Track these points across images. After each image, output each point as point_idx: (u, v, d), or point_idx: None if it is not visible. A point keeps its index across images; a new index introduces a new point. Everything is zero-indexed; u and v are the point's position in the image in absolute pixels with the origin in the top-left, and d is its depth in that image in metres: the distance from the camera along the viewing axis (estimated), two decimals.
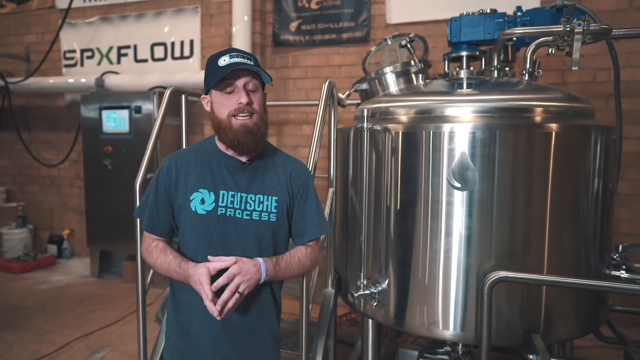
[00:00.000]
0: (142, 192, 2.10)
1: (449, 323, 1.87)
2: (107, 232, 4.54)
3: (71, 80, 4.84)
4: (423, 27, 3.85)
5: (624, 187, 3.50)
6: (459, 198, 1.82)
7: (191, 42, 4.71)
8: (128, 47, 4.96)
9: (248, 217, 1.37)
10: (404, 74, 2.27)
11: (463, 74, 2.16)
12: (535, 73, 2.03)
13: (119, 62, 5.01)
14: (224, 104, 1.32)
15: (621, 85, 3.51)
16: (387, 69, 2.28)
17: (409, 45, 2.24)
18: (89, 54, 5.13)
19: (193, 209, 1.36)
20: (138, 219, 1.93)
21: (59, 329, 3.41)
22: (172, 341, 1.45)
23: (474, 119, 1.85)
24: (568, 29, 1.76)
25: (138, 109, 4.36)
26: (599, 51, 3.41)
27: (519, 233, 1.82)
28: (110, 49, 5.04)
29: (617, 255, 2.14)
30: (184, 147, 2.51)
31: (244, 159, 1.39)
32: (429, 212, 1.88)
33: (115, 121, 4.46)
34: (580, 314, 1.90)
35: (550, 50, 1.94)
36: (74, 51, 5.21)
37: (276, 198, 1.40)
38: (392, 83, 2.28)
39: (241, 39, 4.27)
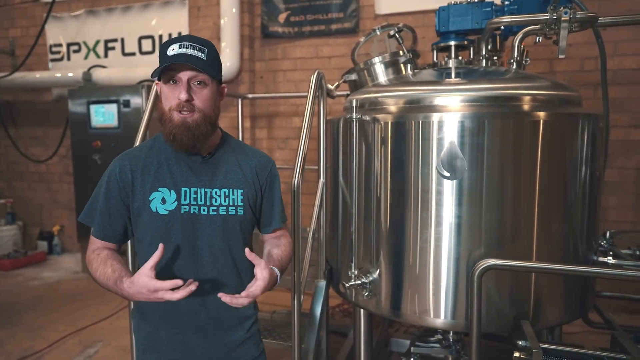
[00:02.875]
0: None
1: (440, 311, 1.89)
2: None
3: (58, 75, 4.77)
4: (412, 17, 3.84)
5: (612, 174, 3.55)
6: (449, 187, 1.83)
7: (179, 34, 4.65)
8: (115, 40, 4.90)
9: (215, 213, 1.31)
10: (392, 64, 2.27)
11: (451, 63, 2.16)
12: (523, 62, 2.04)
13: (106, 55, 4.95)
14: (167, 96, 1.25)
15: (609, 73, 3.54)
16: (376, 60, 2.27)
17: (397, 36, 2.23)
18: (76, 47, 5.05)
19: (154, 210, 1.28)
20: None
21: (51, 324, 3.40)
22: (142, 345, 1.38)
23: (463, 108, 1.85)
24: (555, 17, 1.76)
25: (127, 103, 4.31)
26: (586, 40, 3.43)
27: (508, 221, 1.83)
28: (97, 42, 4.97)
29: (604, 241, 2.16)
30: None
31: (204, 153, 1.33)
32: (419, 201, 1.89)
33: (104, 115, 4.41)
34: (568, 300, 1.93)
35: (537, 38, 1.94)
36: (60, 45, 5.13)
37: (242, 191, 1.35)
38: (381, 73, 2.28)
39: (229, 31, 4.23)
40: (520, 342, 1.57)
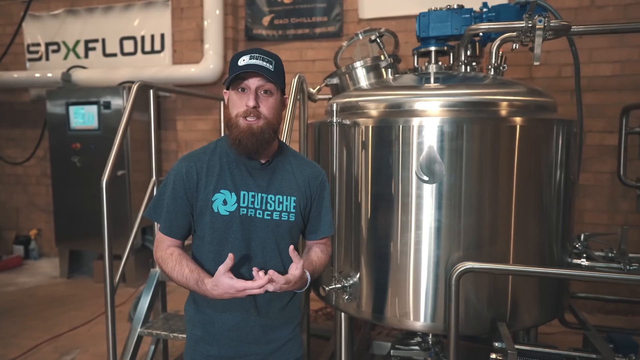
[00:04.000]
0: (110, 190, 2.06)
1: (419, 314, 1.91)
2: (76, 231, 4.42)
3: (37, 75, 4.67)
4: (395, 22, 3.88)
5: (588, 178, 3.64)
6: (428, 191, 1.85)
7: (162, 36, 4.61)
8: (96, 40, 4.83)
9: (269, 217, 1.39)
10: (374, 69, 2.29)
11: (431, 68, 2.19)
12: (501, 68, 2.08)
13: (86, 56, 4.87)
14: (236, 103, 1.34)
15: (584, 80, 3.64)
16: (358, 64, 2.28)
17: (378, 40, 2.25)
18: (55, 47, 4.96)
19: (215, 210, 1.36)
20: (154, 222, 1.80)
21: (26, 331, 3.31)
22: (194, 339, 1.45)
23: (442, 112, 1.88)
24: (530, 25, 1.80)
25: (107, 105, 4.25)
26: (564, 47, 3.51)
27: (486, 224, 1.86)
28: (77, 42, 4.89)
29: (579, 244, 2.22)
30: (153, 142, 2.46)
31: (263, 159, 1.40)
32: (399, 205, 1.90)
33: (84, 117, 4.33)
34: (544, 301, 1.97)
35: (514, 45, 1.99)
36: (38, 45, 5.03)
37: (294, 198, 1.42)
38: (363, 77, 2.29)
39: (213, 33, 4.21)
40: (496, 344, 1.60)
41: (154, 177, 2.46)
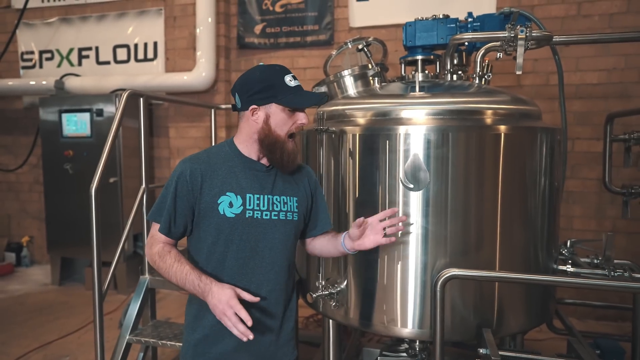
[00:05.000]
0: (98, 198, 2.07)
1: (407, 321, 1.92)
2: (68, 238, 4.41)
3: (32, 83, 4.68)
4: (385, 30, 3.93)
5: (576, 185, 3.68)
6: (415, 198, 1.87)
7: (155, 44, 4.64)
8: (89, 48, 4.85)
9: (276, 218, 1.44)
10: (361, 77, 2.31)
11: (418, 77, 2.22)
12: (486, 76, 2.11)
13: (80, 64, 4.89)
14: (286, 122, 1.41)
15: (572, 88, 3.70)
16: (345, 72, 2.31)
17: (365, 49, 2.29)
18: (48, 55, 4.98)
19: (222, 212, 1.39)
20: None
21: (15, 340, 3.29)
22: (193, 343, 1.47)
23: (428, 121, 1.90)
24: (512, 35, 1.84)
25: (100, 112, 4.26)
26: (552, 55, 3.57)
27: (472, 231, 1.88)
28: (71, 50, 4.91)
29: (565, 250, 2.23)
30: (142, 150, 2.47)
31: (266, 163, 1.46)
32: None
33: (76, 124, 4.34)
34: (530, 307, 1.98)
35: (498, 55, 2.02)
36: (32, 52, 5.04)
37: (297, 198, 1.51)
38: (350, 86, 2.32)
39: (205, 41, 4.24)
40: (481, 350, 1.61)
41: (143, 185, 2.47)
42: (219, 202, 1.39)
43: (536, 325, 2.00)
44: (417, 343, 2.01)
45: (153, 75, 4.46)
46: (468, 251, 1.87)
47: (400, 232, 1.78)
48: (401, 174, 1.85)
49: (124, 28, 4.72)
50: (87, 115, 4.29)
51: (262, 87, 1.40)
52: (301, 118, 1.43)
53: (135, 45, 4.69)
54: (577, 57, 3.62)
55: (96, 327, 2.06)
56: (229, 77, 4.51)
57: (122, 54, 4.75)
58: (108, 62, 4.80)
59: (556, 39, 1.92)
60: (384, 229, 1.48)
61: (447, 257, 1.86)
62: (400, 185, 1.87)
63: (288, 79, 1.41)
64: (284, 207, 1.46)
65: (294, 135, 1.45)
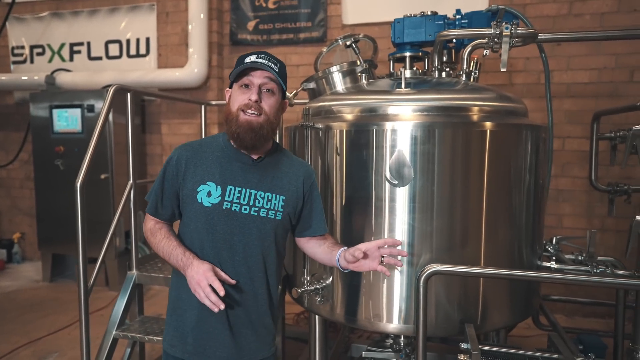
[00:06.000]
0: (83, 193, 2.06)
1: (392, 316, 1.92)
2: (60, 234, 4.39)
3: (24, 78, 4.64)
4: (378, 28, 3.93)
5: (566, 183, 3.69)
6: (401, 194, 1.87)
7: (147, 39, 4.62)
8: (81, 44, 4.82)
9: (255, 214, 1.42)
10: (350, 74, 2.31)
11: (405, 74, 2.22)
12: (473, 74, 2.11)
13: (71, 59, 4.86)
14: (237, 98, 1.39)
15: (563, 86, 3.71)
16: (334, 68, 2.31)
17: (353, 46, 2.29)
18: (39, 50, 4.95)
19: (199, 201, 1.40)
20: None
21: (4, 335, 3.28)
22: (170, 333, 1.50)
23: (415, 117, 1.90)
24: (497, 32, 1.84)
25: (91, 108, 4.24)
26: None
27: (458, 227, 1.88)
28: (62, 45, 4.88)
29: (551, 247, 2.25)
30: (130, 146, 2.47)
31: (255, 156, 1.44)
32: (373, 208, 1.92)
33: (67, 120, 4.32)
34: (513, 303, 1.99)
35: (485, 52, 2.02)
36: (22, 47, 5.01)
37: (284, 197, 1.46)
38: (339, 82, 2.32)
39: (198, 37, 4.23)
40: (462, 345, 1.62)
41: (131, 180, 2.46)
42: (198, 190, 1.40)
43: (520, 320, 2.02)
44: (402, 338, 2.01)
45: (145, 71, 4.44)
46: (453, 247, 1.88)
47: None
48: (386, 170, 1.86)
49: (116, 23, 4.69)
50: (78, 111, 4.26)
51: (232, 70, 1.42)
52: (247, 92, 1.37)
53: (128, 41, 4.67)
54: (568, 56, 3.63)
55: (82, 322, 2.06)
56: (221, 74, 4.50)
57: (114, 49, 4.73)
58: (100, 58, 4.77)
59: (541, 36, 1.92)
60: (382, 256, 1.41)
61: (433, 253, 1.86)
62: (387, 181, 1.88)
63: (249, 57, 1.39)
64: (266, 205, 1.43)
65: (253, 112, 1.36)
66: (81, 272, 2.05)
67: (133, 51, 4.67)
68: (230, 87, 1.45)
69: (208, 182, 1.40)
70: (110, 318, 2.32)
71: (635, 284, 1.64)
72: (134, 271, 2.46)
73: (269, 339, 1.55)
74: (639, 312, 1.87)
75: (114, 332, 2.27)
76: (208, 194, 1.40)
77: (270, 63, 1.38)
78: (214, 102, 3.66)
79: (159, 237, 1.44)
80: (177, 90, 4.33)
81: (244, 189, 1.42)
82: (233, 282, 1.36)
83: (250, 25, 4.36)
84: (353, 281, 1.96)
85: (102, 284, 4.25)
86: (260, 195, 1.43)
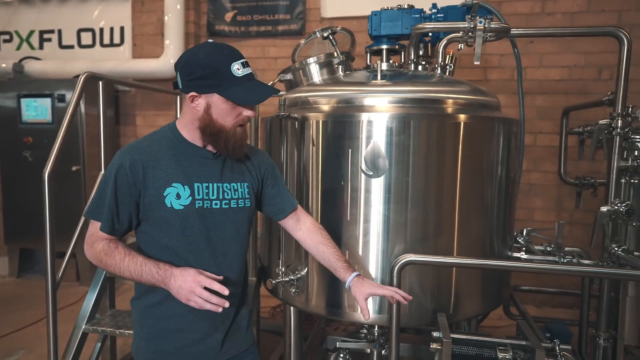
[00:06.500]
0: (52, 183, 1.99)
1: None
2: (28, 228, 4.25)
3: None
4: (357, 22, 3.92)
5: (537, 178, 3.79)
6: (376, 185, 1.88)
7: (122, 29, 4.51)
8: (52, 31, 4.66)
9: (227, 206, 1.38)
10: (327, 65, 2.31)
11: (382, 66, 2.23)
12: (448, 67, 2.14)
13: (41, 47, 4.70)
14: (230, 113, 1.30)
15: (536, 83, 3.79)
16: (311, 60, 2.30)
17: (331, 37, 2.28)
18: (7, 37, 4.76)
19: (169, 205, 1.30)
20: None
21: None
22: (145, 338, 1.42)
23: (390, 108, 1.91)
24: (472, 26, 1.87)
25: (62, 98, 4.12)
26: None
27: (431, 218, 1.91)
28: (32, 33, 4.71)
29: (522, 238, 2.30)
30: (102, 134, 2.40)
31: (212, 150, 1.38)
32: (348, 199, 1.92)
33: (36, 110, 4.18)
34: (485, 292, 2.04)
35: (460, 46, 2.05)
36: None
37: (247, 184, 1.45)
38: (316, 73, 2.32)
39: (174, 27, 4.15)
40: (435, 334, 1.64)
41: (102, 170, 2.40)
42: (165, 194, 1.30)
43: (491, 309, 2.07)
44: (376, 329, 2.03)
45: (119, 61, 4.33)
46: (427, 238, 1.90)
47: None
48: (361, 161, 1.86)
49: (89, 11, 4.56)
50: (48, 101, 4.13)
51: (204, 73, 1.26)
52: (248, 110, 1.32)
53: (101, 30, 4.54)
54: (541, 53, 3.71)
55: (49, 317, 2.00)
56: None
57: (86, 38, 4.59)
58: (72, 46, 4.63)
59: (514, 31, 1.96)
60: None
61: (407, 243, 1.88)
62: (362, 172, 1.89)
63: (236, 66, 1.27)
64: (235, 195, 1.40)
65: (242, 125, 1.35)
66: (48, 263, 1.98)
67: (107, 40, 4.54)
68: (200, 92, 1.28)
69: (174, 184, 1.31)
70: (80, 312, 2.26)
71: (597, 271, 1.71)
72: None
73: (249, 327, 1.55)
74: (602, 300, 1.94)
75: (83, 327, 2.21)
76: (177, 196, 1.31)
77: (253, 72, 1.35)
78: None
79: (119, 256, 1.27)
80: (152, 82, 4.23)
81: (210, 184, 1.36)
82: (220, 278, 1.25)
83: (228, 16, 4.30)
84: (328, 272, 1.96)
85: (72, 279, 4.14)
86: (226, 187, 1.39)
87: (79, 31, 4.60)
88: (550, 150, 3.75)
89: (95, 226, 1.34)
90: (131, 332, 2.17)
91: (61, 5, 4.61)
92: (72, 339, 2.20)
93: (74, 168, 4.04)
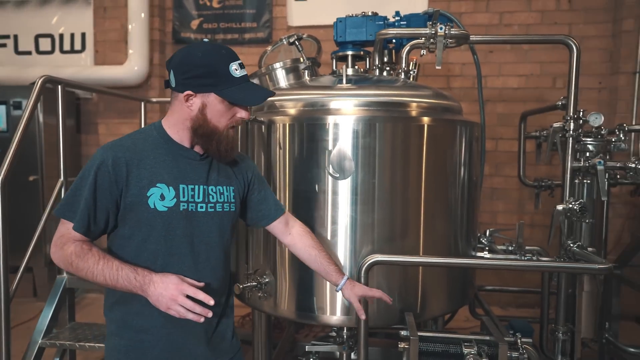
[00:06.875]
0: (5, 191, 1.90)
1: (335, 309, 1.94)
2: None
3: None
4: (323, 30, 3.97)
5: (500, 182, 3.93)
6: (343, 187, 1.90)
7: (83, 35, 4.39)
8: (7, 37, 4.49)
9: (212, 210, 1.35)
10: (293, 70, 2.33)
11: (348, 71, 2.27)
12: (411, 72, 2.20)
13: None
14: (225, 114, 1.30)
15: (496, 91, 3.95)
16: (277, 65, 2.31)
17: (297, 43, 2.31)
18: None
19: (152, 206, 1.25)
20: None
21: None
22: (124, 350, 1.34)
23: (356, 112, 1.95)
24: (433, 32, 1.93)
25: (18, 105, 3.95)
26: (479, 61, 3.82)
27: (398, 219, 1.94)
28: None
29: (485, 239, 2.37)
30: (61, 140, 2.32)
31: (200, 151, 1.35)
32: (315, 201, 1.93)
33: None
34: (450, 292, 2.08)
35: (422, 52, 2.12)
36: None
37: (233, 187, 1.42)
38: (282, 78, 2.33)
39: (138, 34, 4.09)
40: (402, 332, 1.66)
41: (62, 178, 2.31)
42: (148, 194, 1.25)
43: (456, 308, 2.11)
44: (345, 331, 2.03)
45: (81, 68, 4.22)
46: (394, 238, 1.93)
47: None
48: (328, 164, 1.88)
49: (48, 17, 4.42)
50: (2, 108, 3.95)
51: (202, 72, 1.25)
52: (242, 111, 1.32)
53: (61, 36, 4.40)
54: (500, 62, 3.88)
55: (1, 333, 1.88)
56: (164, 73, 4.36)
57: (45, 44, 4.44)
58: (29, 52, 4.47)
59: (472, 38, 2.04)
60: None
61: (374, 244, 1.91)
62: (329, 174, 1.90)
63: (234, 67, 1.27)
64: (220, 198, 1.37)
65: (234, 127, 1.36)
66: (1, 276, 1.88)
67: (67, 46, 4.41)
68: (196, 91, 1.27)
69: (158, 184, 1.26)
70: (37, 326, 2.15)
71: (554, 266, 1.79)
72: (64, 275, 2.30)
73: (235, 336, 1.51)
74: (560, 296, 2.02)
75: (39, 341, 2.10)
76: (161, 197, 1.26)
77: (249, 76, 1.37)
78: (154, 99, 3.54)
79: (92, 260, 1.19)
80: (115, 89, 4.13)
81: (196, 186, 1.32)
82: (201, 284, 1.21)
83: (194, 23, 4.27)
84: (296, 275, 1.96)
85: (29, 295, 3.94)
86: (212, 189, 1.35)
87: (37, 37, 4.45)
88: (511, 155, 3.90)
89: (66, 226, 1.25)
90: (93, 344, 2.09)
91: (17, 10, 4.45)
92: (27, 354, 2.09)
93: (31, 178, 3.87)
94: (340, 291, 1.54)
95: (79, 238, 1.24)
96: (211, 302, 1.15)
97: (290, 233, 1.59)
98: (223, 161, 1.38)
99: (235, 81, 1.28)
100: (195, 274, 1.29)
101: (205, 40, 1.28)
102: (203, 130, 1.29)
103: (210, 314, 1.16)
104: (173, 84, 1.31)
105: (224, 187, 1.39)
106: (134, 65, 4.07)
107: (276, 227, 1.57)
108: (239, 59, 1.31)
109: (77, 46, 4.41)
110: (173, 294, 1.13)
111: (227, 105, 1.29)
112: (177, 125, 1.32)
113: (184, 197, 1.29)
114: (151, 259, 1.28)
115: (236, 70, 1.28)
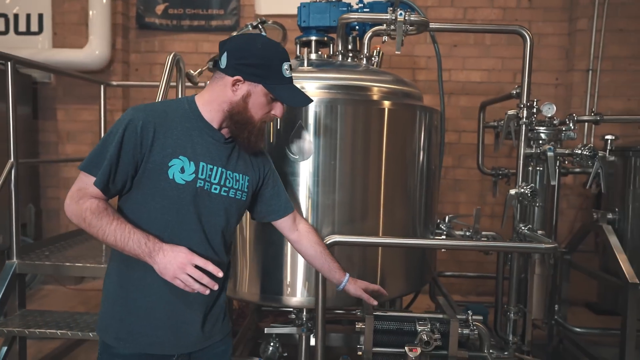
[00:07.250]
0: None
1: (296, 290, 1.94)
2: None
3: None
4: (291, 19, 3.92)
5: (462, 174, 4.03)
6: (304, 169, 1.90)
7: (40, 16, 4.21)
8: None
9: (225, 194, 1.35)
10: None
11: (311, 56, 2.27)
12: (373, 58, 2.22)
13: None
14: (264, 107, 1.34)
15: (459, 85, 4.05)
16: None
17: (260, 27, 2.29)
18: None
19: (171, 177, 1.26)
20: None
21: None
22: (118, 320, 1.34)
23: (318, 94, 1.95)
24: (393, 18, 1.96)
25: None
26: (443, 54, 3.90)
27: (358, 201, 1.96)
28: None
29: (444, 225, 2.43)
30: (10, 121, 2.21)
31: (226, 134, 1.37)
32: None
33: None
34: (408, 274, 2.13)
35: (384, 38, 2.14)
36: None
37: (248, 178, 1.43)
38: None
39: (100, 17, 3.96)
40: (358, 312, 1.69)
41: (12, 159, 2.22)
42: (170, 164, 1.25)
43: (414, 290, 2.16)
44: (305, 313, 2.04)
45: (37, 50, 4.04)
46: (354, 220, 1.95)
47: None
48: (287, 145, 1.88)
49: None
50: None
51: (258, 62, 1.30)
52: (278, 109, 1.37)
53: (16, 16, 4.20)
54: (463, 57, 3.98)
55: None
56: (127, 58, 4.24)
57: None
58: None
59: (432, 25, 2.09)
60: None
61: (334, 225, 1.92)
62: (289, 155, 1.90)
63: (286, 67, 1.34)
64: (235, 185, 1.38)
65: (266, 122, 1.40)
66: None
67: (22, 27, 4.22)
68: (247, 79, 1.30)
69: (180, 157, 1.26)
70: None
71: (503, 245, 1.85)
72: (14, 260, 2.21)
73: (226, 317, 1.51)
74: (512, 278, 2.10)
75: None
76: (181, 169, 1.26)
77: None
78: (115, 83, 3.43)
79: (106, 219, 1.19)
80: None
81: (215, 167, 1.33)
82: (209, 263, 1.22)
83: (159, 8, 4.17)
84: (257, 257, 1.95)
85: None
86: (229, 174, 1.37)
87: None
88: (473, 147, 3.99)
89: (85, 181, 1.24)
90: (43, 330, 2.01)
91: None
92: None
93: None
94: (343, 288, 1.62)
95: (95, 194, 1.23)
96: (220, 274, 1.19)
97: (297, 229, 1.61)
98: (249, 151, 1.41)
99: (284, 80, 1.34)
100: (200, 252, 1.28)
101: (264, 34, 1.36)
102: (239, 117, 1.32)
103: (216, 287, 1.19)
104: (223, 65, 1.32)
105: (240, 175, 1.40)
106: (95, 49, 3.94)
107: (284, 223, 1.59)
108: (290, 61, 1.38)
109: (34, 27, 4.22)
110: (182, 262, 1.16)
111: (268, 100, 1.34)
112: (211, 104, 1.34)
113: (202, 174, 1.30)
114: (161, 228, 1.27)
115: (287, 70, 1.35)
